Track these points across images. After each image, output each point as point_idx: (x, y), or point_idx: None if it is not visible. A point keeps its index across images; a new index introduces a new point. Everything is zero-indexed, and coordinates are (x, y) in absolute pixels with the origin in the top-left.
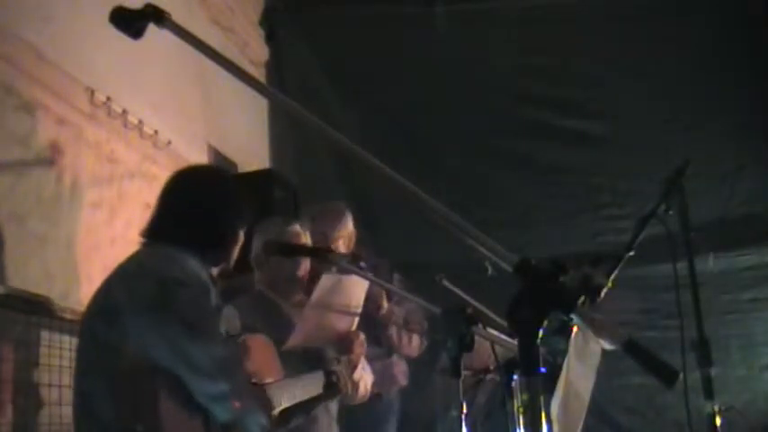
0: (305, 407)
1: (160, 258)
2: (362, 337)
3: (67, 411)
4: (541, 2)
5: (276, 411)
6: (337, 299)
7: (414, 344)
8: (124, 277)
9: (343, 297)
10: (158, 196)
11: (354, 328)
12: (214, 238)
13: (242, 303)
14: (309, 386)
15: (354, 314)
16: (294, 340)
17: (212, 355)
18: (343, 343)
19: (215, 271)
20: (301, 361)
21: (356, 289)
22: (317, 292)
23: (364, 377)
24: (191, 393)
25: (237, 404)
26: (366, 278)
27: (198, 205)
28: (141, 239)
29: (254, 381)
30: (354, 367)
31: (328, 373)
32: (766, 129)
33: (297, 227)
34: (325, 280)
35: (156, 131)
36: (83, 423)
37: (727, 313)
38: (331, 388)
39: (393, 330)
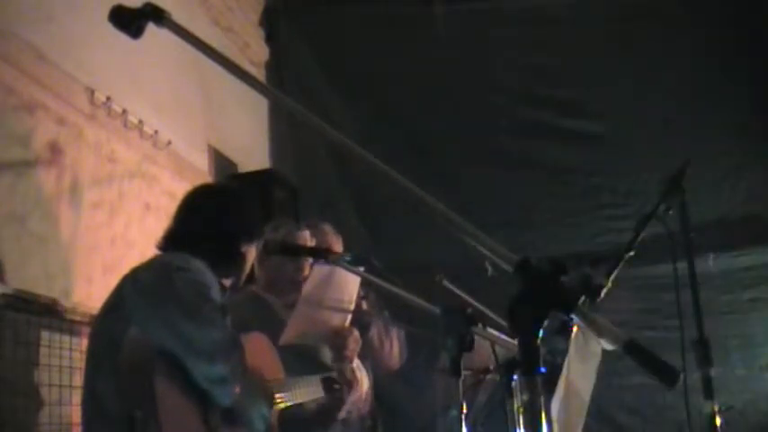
0: (321, 421)
1: (170, 256)
2: (356, 333)
3: (67, 411)
4: (541, 2)
5: (277, 409)
6: (330, 293)
7: (395, 352)
8: (132, 273)
9: (336, 291)
10: (175, 211)
11: (348, 324)
12: (226, 252)
13: (234, 303)
14: (310, 387)
15: (347, 309)
16: (287, 336)
17: (210, 337)
18: (337, 339)
19: (227, 282)
20: (297, 360)
21: (349, 283)
22: (309, 284)
23: (361, 377)
24: (190, 381)
25: (237, 389)
26: (365, 278)
27: (212, 221)
28: (157, 250)
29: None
30: (350, 362)
31: (329, 380)
32: (766, 129)
33: (306, 232)
34: (317, 271)
35: (156, 131)
36: (93, 422)
37: (726, 313)
38: (333, 395)
39: (375, 333)
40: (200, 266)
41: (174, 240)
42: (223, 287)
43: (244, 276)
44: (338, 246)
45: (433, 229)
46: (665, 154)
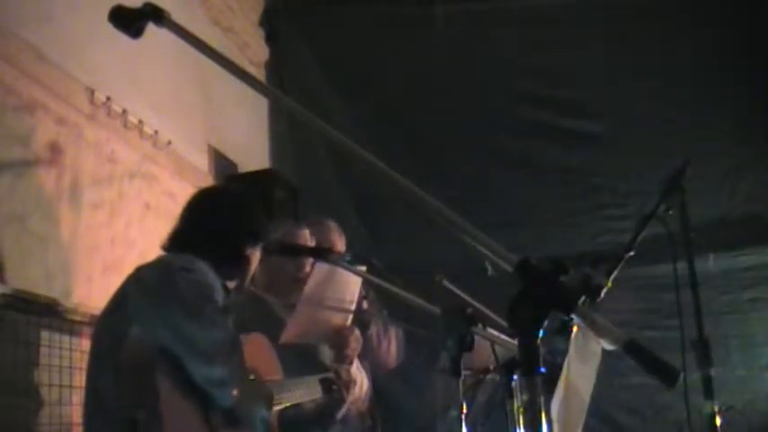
0: (319, 421)
1: (174, 256)
2: (357, 332)
3: (67, 411)
4: (541, 1)
5: (276, 409)
6: (331, 292)
7: (392, 350)
8: (136, 272)
9: (338, 290)
10: (181, 212)
11: (349, 323)
12: (230, 254)
13: (234, 303)
14: (308, 388)
15: (349, 309)
16: (288, 335)
17: (212, 338)
18: (338, 338)
19: (231, 285)
20: (297, 360)
21: (350, 283)
22: (311, 283)
23: (360, 377)
24: (192, 382)
25: (236, 392)
26: (365, 278)
27: (217, 223)
28: (161, 250)
29: (252, 378)
30: (351, 362)
31: (327, 380)
32: (766, 129)
33: (306, 230)
34: (319, 271)
35: (156, 131)
36: (93, 419)
37: (727, 313)
38: (331, 396)
39: (374, 332)
40: (203, 268)
41: (178, 241)
42: (227, 289)
43: (248, 279)
44: (341, 243)
45: (433, 229)
46: (665, 154)
